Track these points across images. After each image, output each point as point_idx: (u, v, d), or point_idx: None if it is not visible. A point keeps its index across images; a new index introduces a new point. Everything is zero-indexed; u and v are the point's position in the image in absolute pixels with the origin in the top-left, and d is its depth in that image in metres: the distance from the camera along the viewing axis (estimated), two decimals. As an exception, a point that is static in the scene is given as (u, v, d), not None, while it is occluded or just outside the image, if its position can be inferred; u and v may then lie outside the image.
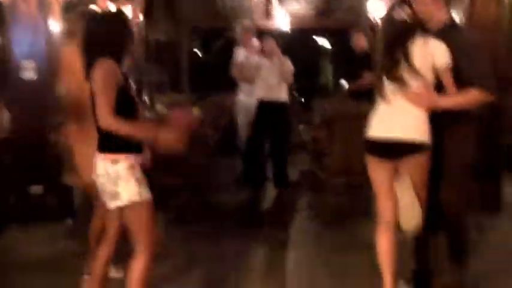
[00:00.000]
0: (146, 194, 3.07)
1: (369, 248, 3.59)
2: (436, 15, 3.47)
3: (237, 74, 7.12)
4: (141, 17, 7.15)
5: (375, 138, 3.35)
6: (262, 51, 6.77)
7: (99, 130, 3.07)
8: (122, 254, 4.03)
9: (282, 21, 8.85)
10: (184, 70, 9.50)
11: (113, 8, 5.45)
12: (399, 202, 3.32)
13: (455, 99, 3.32)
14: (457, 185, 3.49)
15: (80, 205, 4.87)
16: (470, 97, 3.32)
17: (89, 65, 3.04)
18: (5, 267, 4.45)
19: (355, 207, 5.55)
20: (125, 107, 3.01)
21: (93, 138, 3.48)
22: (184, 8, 9.10)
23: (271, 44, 6.65)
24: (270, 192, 6.44)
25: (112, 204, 3.07)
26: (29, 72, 5.40)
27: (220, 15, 8.96)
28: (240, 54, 7.15)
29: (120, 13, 3.37)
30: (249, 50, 7.09)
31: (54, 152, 4.94)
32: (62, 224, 5.29)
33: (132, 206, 3.04)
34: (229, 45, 8.05)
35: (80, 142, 3.94)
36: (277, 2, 8.94)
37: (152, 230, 3.14)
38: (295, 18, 8.96)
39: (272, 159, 6.57)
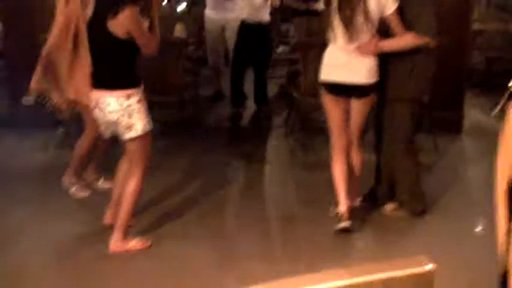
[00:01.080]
0: (151, 124, 3.49)
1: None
2: None
3: None
4: None
5: (331, 81, 3.79)
6: None
7: (113, 68, 3.41)
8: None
9: None
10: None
11: None
12: None
13: (396, 43, 3.72)
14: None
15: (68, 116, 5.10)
16: (408, 39, 3.71)
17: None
18: (3, 174, 4.83)
19: (323, 126, 5.90)
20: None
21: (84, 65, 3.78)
22: None
23: None
24: (249, 109, 6.78)
25: (127, 135, 3.43)
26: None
27: None
28: None
29: None
30: None
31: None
32: (54, 133, 5.59)
33: (141, 135, 3.42)
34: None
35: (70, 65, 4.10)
36: None
37: (149, 153, 3.55)
38: None
39: (254, 79, 6.80)
